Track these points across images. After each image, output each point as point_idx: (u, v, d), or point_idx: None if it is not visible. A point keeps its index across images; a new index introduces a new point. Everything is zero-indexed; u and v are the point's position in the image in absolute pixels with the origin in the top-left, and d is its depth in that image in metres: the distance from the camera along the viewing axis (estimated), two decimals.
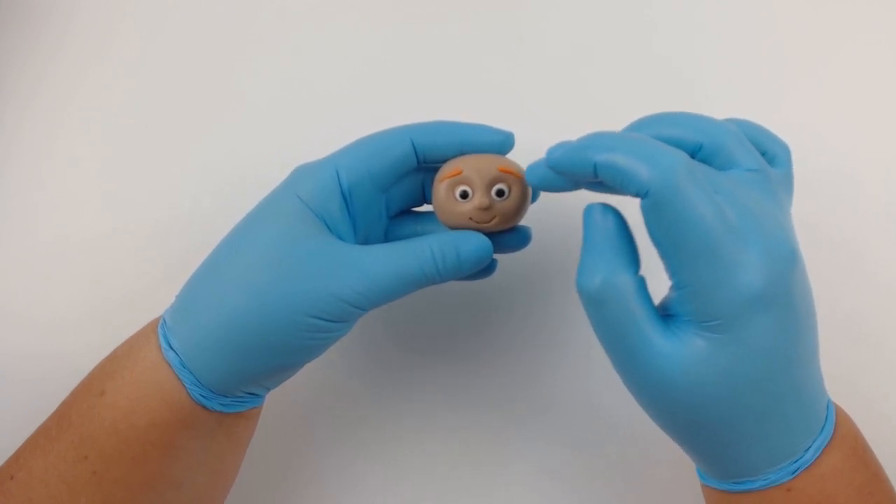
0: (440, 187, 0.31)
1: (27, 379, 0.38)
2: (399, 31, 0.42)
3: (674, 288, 0.27)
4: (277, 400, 0.38)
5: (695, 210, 0.25)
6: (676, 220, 0.25)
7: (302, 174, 0.31)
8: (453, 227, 0.31)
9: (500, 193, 0.31)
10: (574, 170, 0.27)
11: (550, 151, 0.28)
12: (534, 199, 0.34)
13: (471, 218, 0.31)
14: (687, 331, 0.27)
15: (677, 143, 0.28)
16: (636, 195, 0.26)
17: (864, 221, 0.39)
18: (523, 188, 0.31)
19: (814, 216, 0.39)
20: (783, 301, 0.26)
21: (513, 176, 0.31)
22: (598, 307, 0.27)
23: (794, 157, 0.31)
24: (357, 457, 0.39)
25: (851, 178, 0.39)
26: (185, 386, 0.29)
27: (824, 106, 0.40)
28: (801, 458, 0.28)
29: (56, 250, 0.40)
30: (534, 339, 0.39)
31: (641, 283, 0.27)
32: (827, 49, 0.41)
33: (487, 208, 0.31)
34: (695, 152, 0.29)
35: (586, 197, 0.30)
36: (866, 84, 0.40)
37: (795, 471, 0.28)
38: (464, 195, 0.31)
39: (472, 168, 0.31)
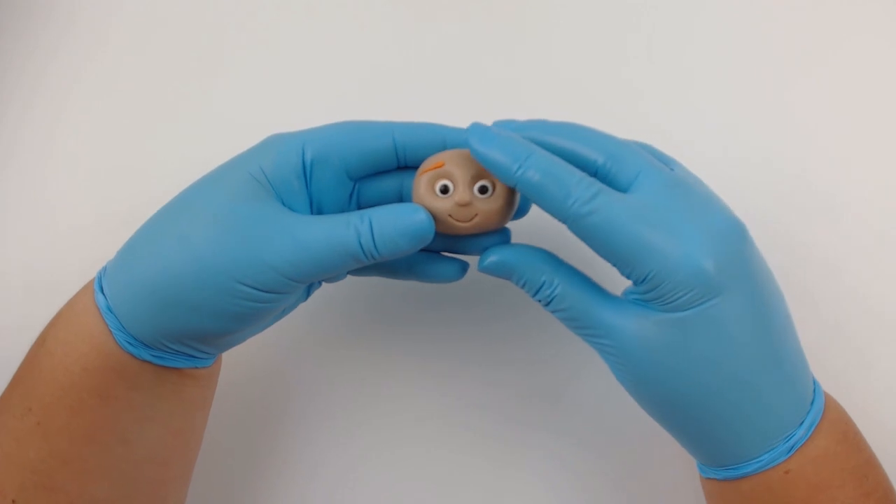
0: (420, 181, 0.29)
1: None
2: (399, 31, 0.42)
3: (630, 288, 0.29)
4: (278, 395, 0.38)
5: (614, 223, 0.27)
6: (600, 237, 0.27)
7: (269, 142, 0.30)
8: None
9: (482, 190, 0.29)
10: (496, 170, 0.28)
11: (477, 132, 0.28)
12: (528, 207, 0.33)
13: (450, 215, 0.29)
14: (647, 312, 0.28)
15: (582, 160, 0.29)
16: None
17: (861, 218, 0.39)
18: (510, 187, 0.29)
19: (810, 208, 0.39)
20: (740, 272, 0.27)
21: None
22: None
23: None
24: (365, 449, 0.39)
25: (849, 178, 0.39)
26: (111, 331, 0.29)
27: (824, 106, 0.40)
28: (793, 434, 0.28)
29: (56, 249, 0.40)
30: (544, 331, 0.39)
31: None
32: (827, 49, 0.41)
33: (467, 205, 0.29)
34: (597, 169, 0.29)
35: None
36: (866, 84, 0.40)
37: (791, 449, 0.28)
38: (444, 190, 0.29)
39: (454, 162, 0.29)
